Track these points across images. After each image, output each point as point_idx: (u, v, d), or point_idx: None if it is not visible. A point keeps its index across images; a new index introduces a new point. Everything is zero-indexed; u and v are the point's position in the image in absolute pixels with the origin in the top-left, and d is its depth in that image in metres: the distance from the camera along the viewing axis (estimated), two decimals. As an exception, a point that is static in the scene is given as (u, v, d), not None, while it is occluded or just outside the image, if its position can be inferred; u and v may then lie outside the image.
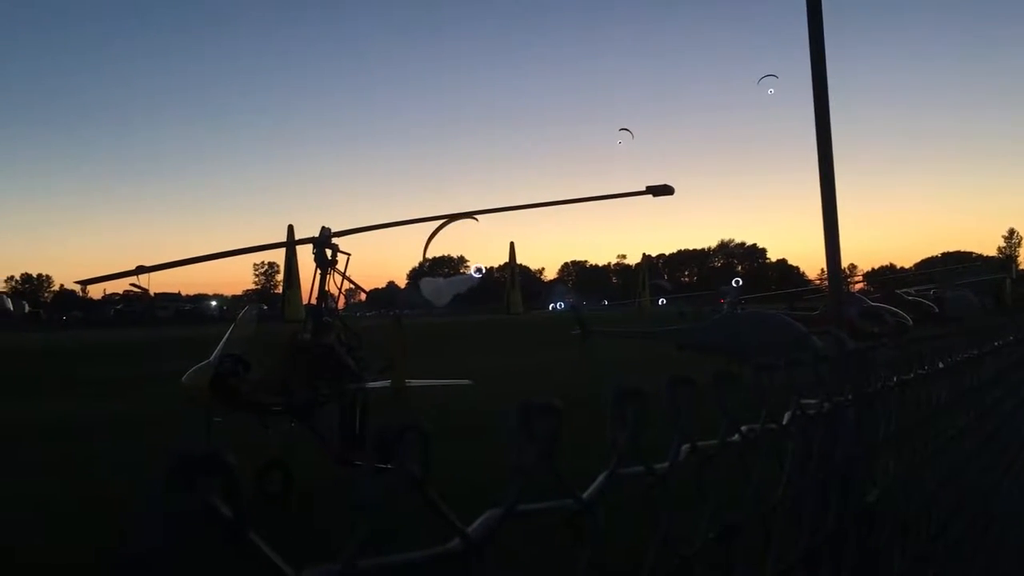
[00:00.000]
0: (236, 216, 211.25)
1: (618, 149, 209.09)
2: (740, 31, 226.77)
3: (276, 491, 9.37)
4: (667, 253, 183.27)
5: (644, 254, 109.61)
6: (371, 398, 10.47)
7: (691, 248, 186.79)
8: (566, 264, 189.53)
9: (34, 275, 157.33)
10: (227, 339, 11.15)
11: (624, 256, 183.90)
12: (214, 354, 10.93)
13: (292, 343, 10.69)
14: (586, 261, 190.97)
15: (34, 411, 18.46)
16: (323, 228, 10.58)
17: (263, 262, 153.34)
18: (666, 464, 1.09)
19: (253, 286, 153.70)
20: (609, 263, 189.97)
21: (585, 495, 0.94)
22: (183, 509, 0.61)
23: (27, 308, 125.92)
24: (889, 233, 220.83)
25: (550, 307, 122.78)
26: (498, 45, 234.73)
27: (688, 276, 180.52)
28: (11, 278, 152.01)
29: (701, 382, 1.16)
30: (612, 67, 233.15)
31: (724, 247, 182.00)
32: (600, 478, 0.98)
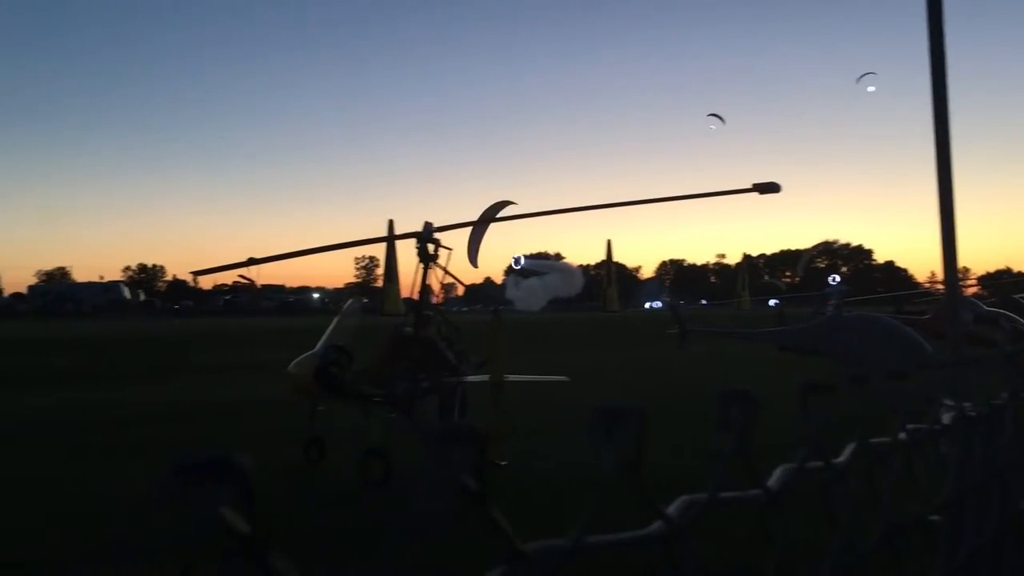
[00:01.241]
0: (340, 211, 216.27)
1: (719, 146, 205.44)
2: (851, 21, 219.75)
3: (377, 479, 9.59)
4: (768, 253, 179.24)
5: (744, 254, 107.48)
6: (469, 392, 10.62)
7: (793, 248, 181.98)
8: (663, 262, 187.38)
9: (149, 265, 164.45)
10: (331, 331, 11.48)
11: (723, 255, 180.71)
12: (319, 345, 11.28)
13: (394, 336, 10.92)
14: (684, 260, 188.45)
15: (147, 396, 19.36)
16: (426, 223, 10.75)
17: (364, 256, 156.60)
18: (843, 458, 1.07)
19: (354, 279, 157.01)
20: (707, 262, 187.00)
21: (771, 485, 0.94)
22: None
23: (142, 297, 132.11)
24: (1006, 235, 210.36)
25: (646, 305, 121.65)
26: (598, 40, 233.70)
27: (790, 277, 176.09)
28: (127, 268, 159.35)
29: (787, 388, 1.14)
30: (718, 61, 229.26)
31: (827, 247, 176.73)
32: (779, 471, 0.97)
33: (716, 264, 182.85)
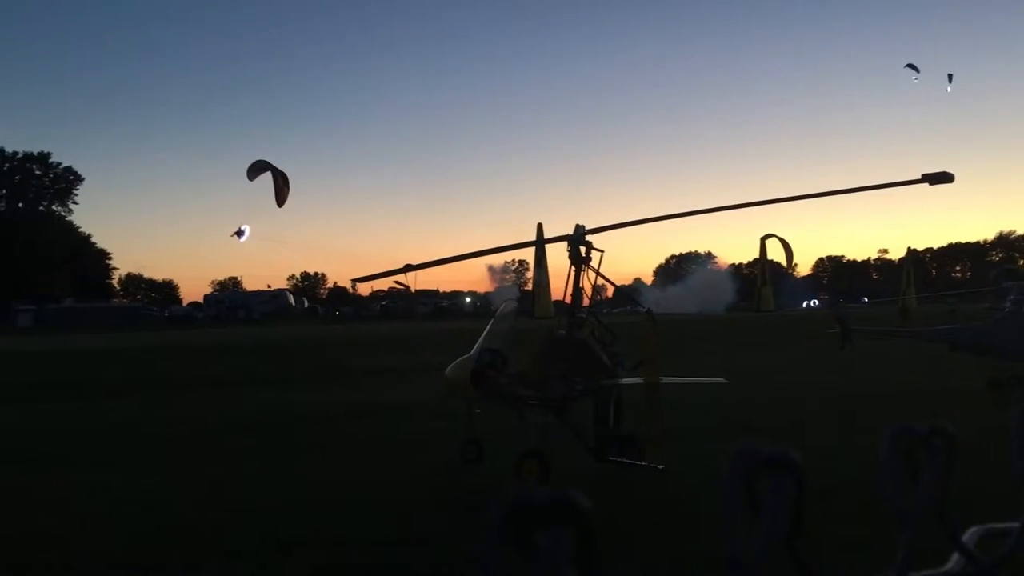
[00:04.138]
0: (491, 215, 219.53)
1: (877, 134, 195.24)
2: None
3: (534, 480, 9.68)
4: (935, 247, 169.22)
5: (909, 248, 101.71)
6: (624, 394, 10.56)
7: (964, 241, 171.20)
8: (821, 259, 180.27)
9: (311, 273, 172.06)
10: (486, 334, 11.67)
11: (886, 250, 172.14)
12: (475, 348, 11.49)
13: (547, 338, 10.99)
14: (843, 256, 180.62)
15: (313, 399, 20.30)
16: (577, 226, 10.78)
17: (514, 260, 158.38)
18: None
19: (505, 283, 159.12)
20: (869, 258, 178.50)
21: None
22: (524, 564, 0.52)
23: (306, 304, 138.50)
24: None
25: (803, 304, 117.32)
26: (754, 31, 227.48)
27: (960, 271, 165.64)
28: (292, 276, 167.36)
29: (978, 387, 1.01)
30: (882, 48, 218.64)
31: (1003, 239, 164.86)
32: None
33: (878, 260, 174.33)
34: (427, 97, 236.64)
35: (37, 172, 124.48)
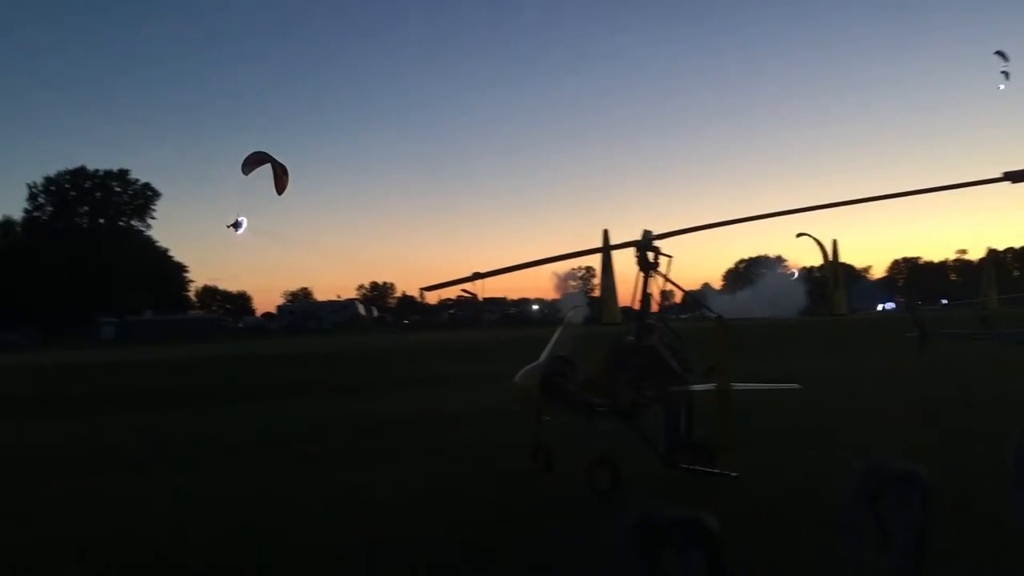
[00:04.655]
0: (558, 223, 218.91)
1: (956, 131, 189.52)
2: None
3: (605, 488, 9.63)
4: (1016, 247, 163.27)
5: (989, 248, 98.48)
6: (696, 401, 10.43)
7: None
8: (896, 261, 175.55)
9: (380, 283, 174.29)
10: (555, 341, 11.65)
11: (964, 251, 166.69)
12: (543, 355, 11.48)
13: (616, 345, 10.92)
14: (919, 257, 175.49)
15: (381, 407, 20.54)
16: (645, 231, 10.69)
17: (580, 266, 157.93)
18: None
19: (571, 290, 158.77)
20: (946, 259, 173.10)
21: None
22: None
23: (375, 313, 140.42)
24: None
25: (878, 307, 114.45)
26: (828, 31, 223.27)
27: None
28: (361, 286, 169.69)
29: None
30: (953, 47, 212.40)
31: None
32: None
33: (956, 261, 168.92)
34: (495, 106, 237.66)
35: (117, 189, 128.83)
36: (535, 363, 11.41)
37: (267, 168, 19.43)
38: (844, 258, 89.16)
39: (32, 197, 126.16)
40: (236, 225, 21.81)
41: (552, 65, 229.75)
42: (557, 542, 8.05)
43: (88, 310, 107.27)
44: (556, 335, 11.78)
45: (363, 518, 9.19)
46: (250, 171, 19.27)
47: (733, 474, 9.62)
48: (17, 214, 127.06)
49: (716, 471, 9.80)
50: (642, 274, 10.61)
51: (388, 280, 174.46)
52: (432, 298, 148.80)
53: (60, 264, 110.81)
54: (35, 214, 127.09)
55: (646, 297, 10.65)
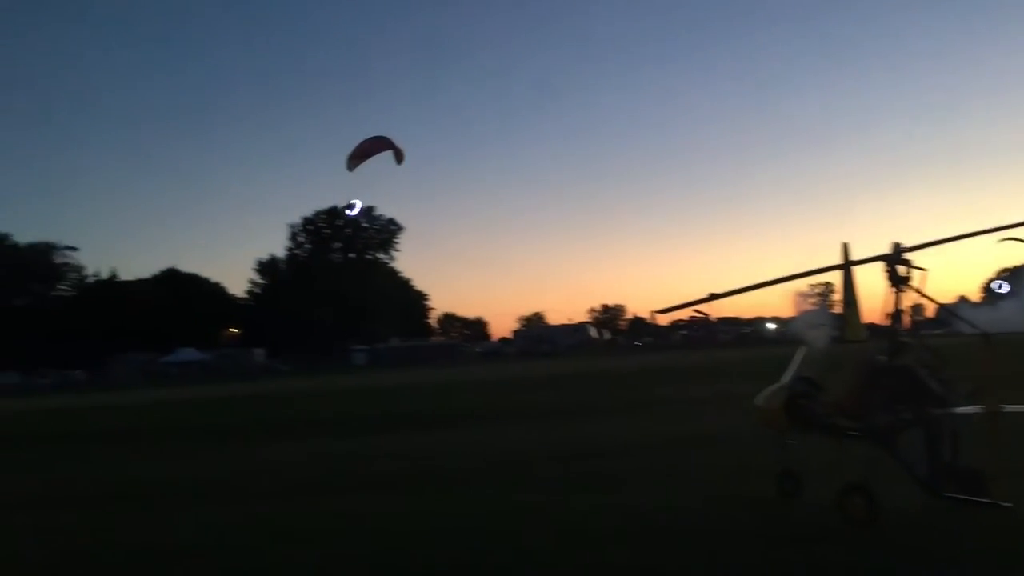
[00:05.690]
0: (791, 240, 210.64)
1: None
2: None
3: (861, 517, 9.11)
4: None
5: None
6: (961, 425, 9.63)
7: None
8: None
9: (611, 305, 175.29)
10: (799, 361, 11.21)
11: None
12: (787, 376, 11.07)
13: (867, 365, 10.34)
14: None
15: (614, 430, 20.61)
16: (895, 244, 10.10)
17: (819, 282, 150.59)
18: None
19: (810, 307, 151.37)
20: None
21: None
22: None
23: (607, 336, 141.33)
24: None
25: None
26: (969, 42, 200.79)
27: None
28: (592, 309, 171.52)
29: None
30: None
31: None
32: None
33: None
34: (727, 122, 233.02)
35: (364, 224, 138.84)
36: (778, 385, 11.04)
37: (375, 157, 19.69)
38: None
39: (292, 236, 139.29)
40: (350, 207, 22.85)
41: (787, 70, 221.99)
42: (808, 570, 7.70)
43: (342, 339, 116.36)
44: (799, 355, 11.34)
45: (591, 543, 9.25)
46: (354, 166, 19.64)
47: (1007, 504, 8.79)
48: (280, 252, 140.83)
49: (987, 500, 8.98)
50: (894, 289, 10.02)
51: (619, 303, 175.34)
52: (663, 319, 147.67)
53: (320, 298, 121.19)
54: (295, 251, 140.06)
55: (897, 313, 10.04)
